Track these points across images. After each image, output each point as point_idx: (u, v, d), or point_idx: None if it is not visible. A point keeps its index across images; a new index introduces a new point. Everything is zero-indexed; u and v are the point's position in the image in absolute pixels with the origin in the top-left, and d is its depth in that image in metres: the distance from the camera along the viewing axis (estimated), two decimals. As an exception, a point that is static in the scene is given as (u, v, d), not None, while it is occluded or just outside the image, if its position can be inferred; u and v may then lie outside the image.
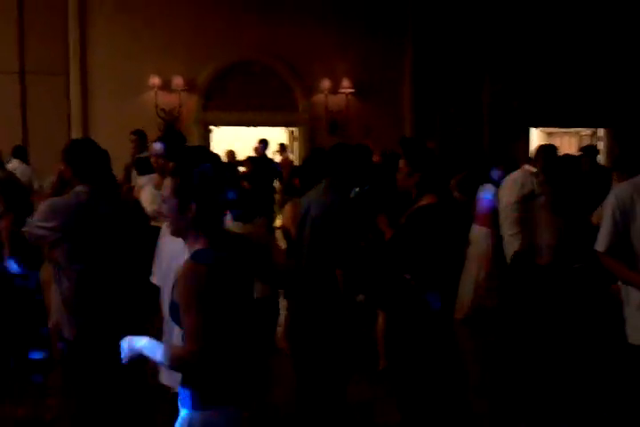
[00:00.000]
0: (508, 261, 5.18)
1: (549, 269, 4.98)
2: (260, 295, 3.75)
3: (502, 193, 5.37)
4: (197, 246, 2.18)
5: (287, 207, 4.96)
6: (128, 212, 3.33)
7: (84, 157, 3.16)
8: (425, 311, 3.33)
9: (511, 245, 5.08)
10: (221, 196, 2.26)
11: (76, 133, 9.55)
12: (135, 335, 2.21)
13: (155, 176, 4.35)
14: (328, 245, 3.49)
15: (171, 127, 3.74)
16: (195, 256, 2.15)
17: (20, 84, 9.83)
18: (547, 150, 5.38)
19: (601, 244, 2.89)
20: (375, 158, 6.36)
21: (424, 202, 3.46)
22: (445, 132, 10.20)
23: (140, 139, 6.62)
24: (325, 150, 4.68)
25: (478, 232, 6.12)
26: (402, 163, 3.57)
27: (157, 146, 4.05)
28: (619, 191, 2.92)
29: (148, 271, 3.49)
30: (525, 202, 5.06)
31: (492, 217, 5.76)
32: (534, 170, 5.18)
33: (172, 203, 2.20)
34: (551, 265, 4.99)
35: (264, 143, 9.59)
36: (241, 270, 2.26)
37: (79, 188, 3.10)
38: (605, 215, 2.92)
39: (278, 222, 7.70)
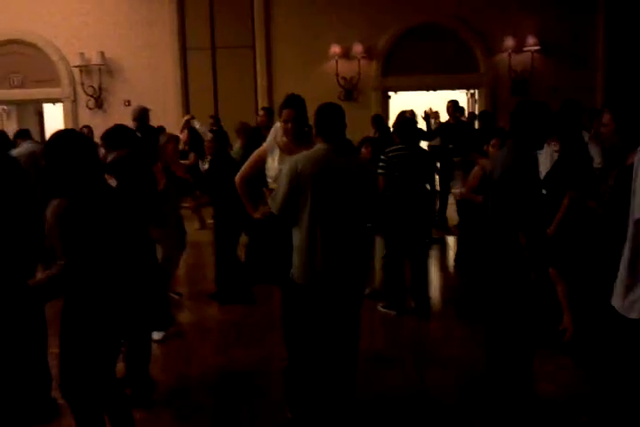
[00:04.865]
0: None
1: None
2: None
3: None
4: None
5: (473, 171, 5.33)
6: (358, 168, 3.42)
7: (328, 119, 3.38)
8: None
9: None
10: None
11: (261, 102, 10.04)
12: None
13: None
14: (509, 208, 3.36)
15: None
16: None
17: (212, 58, 10.53)
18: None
19: None
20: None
21: (630, 160, 3.31)
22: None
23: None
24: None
25: None
26: (607, 118, 3.41)
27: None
28: None
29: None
30: None
31: None
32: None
33: None
34: None
35: (454, 104, 9.16)
36: None
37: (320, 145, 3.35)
38: None
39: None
